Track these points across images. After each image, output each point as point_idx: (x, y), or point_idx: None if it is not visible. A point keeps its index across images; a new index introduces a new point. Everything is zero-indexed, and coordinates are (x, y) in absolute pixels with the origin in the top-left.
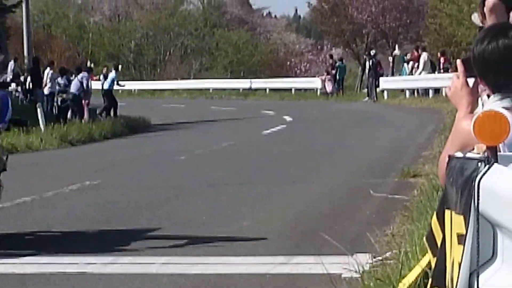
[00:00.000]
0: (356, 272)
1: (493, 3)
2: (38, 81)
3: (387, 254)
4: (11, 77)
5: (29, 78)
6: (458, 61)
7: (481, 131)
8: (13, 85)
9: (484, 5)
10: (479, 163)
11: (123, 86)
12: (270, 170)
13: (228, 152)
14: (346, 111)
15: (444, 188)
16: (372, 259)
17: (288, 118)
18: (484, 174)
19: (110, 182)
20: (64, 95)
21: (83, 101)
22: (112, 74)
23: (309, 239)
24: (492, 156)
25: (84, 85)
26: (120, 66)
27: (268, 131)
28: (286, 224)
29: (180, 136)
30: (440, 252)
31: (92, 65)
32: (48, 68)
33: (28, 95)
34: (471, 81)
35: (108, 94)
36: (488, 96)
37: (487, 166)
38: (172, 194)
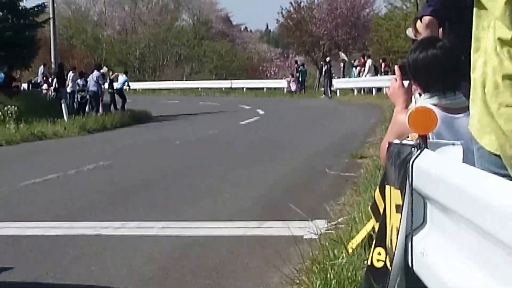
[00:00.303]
0: (315, 234)
1: (429, 20)
2: (62, 82)
3: (340, 220)
4: (42, 78)
5: (55, 80)
6: (396, 67)
7: (414, 123)
8: (45, 85)
9: (416, 22)
10: (413, 148)
11: (129, 87)
12: (246, 153)
13: (213, 138)
14: (307, 106)
15: (385, 168)
16: (327, 224)
17: (261, 111)
18: (416, 157)
19: (120, 163)
20: (83, 93)
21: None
22: (124, 77)
23: (278, 208)
24: (423, 143)
25: (101, 84)
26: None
27: (244, 122)
28: (259, 196)
29: (175, 125)
30: (381, 219)
31: (105, 70)
32: (71, 72)
33: (55, 93)
34: (406, 83)
35: (120, 92)
36: (420, 94)
37: (419, 151)
38: (169, 172)
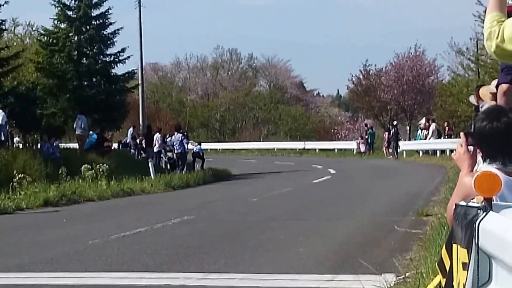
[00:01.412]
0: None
1: (508, 88)
2: (149, 142)
3: (407, 274)
4: (131, 139)
5: (143, 140)
6: (462, 134)
7: (480, 186)
8: (132, 145)
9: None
10: (479, 210)
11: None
12: (318, 209)
13: (287, 195)
14: (375, 166)
15: (451, 228)
16: (396, 278)
17: (332, 171)
18: (482, 218)
19: (202, 217)
20: (170, 154)
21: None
22: (198, 146)
23: (348, 262)
24: (488, 205)
25: (185, 146)
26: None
27: (317, 180)
28: (331, 250)
29: (253, 183)
30: (448, 276)
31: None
32: (157, 133)
33: (142, 152)
34: (470, 148)
35: (198, 155)
36: (483, 159)
37: (484, 213)
38: (247, 226)
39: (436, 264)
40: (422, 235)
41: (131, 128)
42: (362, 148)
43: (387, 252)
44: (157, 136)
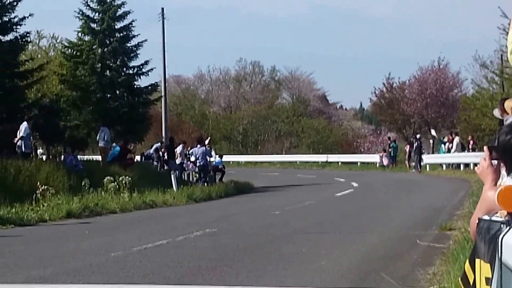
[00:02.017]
0: None
1: None
2: (172, 154)
3: None
4: (154, 151)
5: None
6: (485, 147)
7: (503, 200)
8: (155, 157)
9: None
10: (502, 225)
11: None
12: (341, 222)
13: (310, 208)
14: (397, 180)
15: (474, 242)
16: None
17: (354, 184)
18: (505, 233)
19: (224, 230)
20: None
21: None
22: (219, 159)
23: (371, 275)
24: (511, 220)
25: (208, 158)
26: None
27: (340, 194)
28: (353, 263)
29: (275, 196)
30: None
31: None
32: (180, 145)
33: (164, 165)
34: (494, 162)
35: (217, 168)
36: (507, 173)
37: (508, 227)
38: (269, 239)
39: (460, 278)
40: (445, 250)
41: (158, 144)
42: (385, 161)
43: (410, 266)
44: (179, 148)
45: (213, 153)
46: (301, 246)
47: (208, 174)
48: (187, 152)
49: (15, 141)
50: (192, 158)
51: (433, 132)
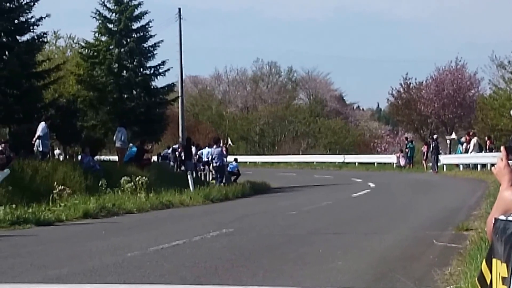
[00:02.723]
0: None
1: None
2: (189, 155)
3: None
4: (170, 151)
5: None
6: (502, 148)
7: None
8: (172, 157)
9: None
10: None
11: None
12: (357, 223)
13: (327, 209)
14: (414, 180)
15: (491, 242)
16: None
17: (371, 185)
18: None
19: (241, 230)
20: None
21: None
22: (235, 163)
23: (387, 276)
24: None
25: (225, 158)
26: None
27: (356, 194)
28: (369, 264)
29: (292, 196)
30: None
31: (229, 144)
32: (194, 148)
33: (181, 165)
34: (511, 162)
35: (231, 172)
36: None
37: None
38: (286, 239)
39: (476, 279)
40: (462, 250)
41: (177, 145)
42: (402, 161)
43: (426, 266)
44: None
45: (229, 158)
46: (317, 247)
47: (225, 174)
48: (199, 153)
49: (33, 141)
50: (204, 159)
51: (453, 135)
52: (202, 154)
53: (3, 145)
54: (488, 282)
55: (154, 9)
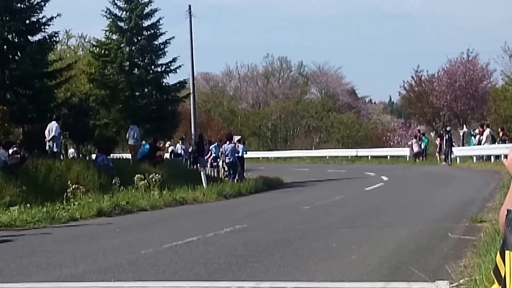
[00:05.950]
0: None
1: None
2: (201, 151)
3: (461, 281)
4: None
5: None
6: None
7: None
8: (183, 154)
9: None
10: None
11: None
12: (371, 217)
13: (340, 203)
14: (428, 173)
15: (504, 234)
16: (449, 285)
17: (385, 178)
18: None
19: (254, 226)
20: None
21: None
22: (242, 146)
23: (401, 269)
24: None
25: (237, 153)
26: (245, 141)
27: (369, 188)
28: (383, 257)
29: (305, 191)
30: (503, 283)
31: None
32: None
33: (194, 161)
34: None
35: (242, 159)
36: None
37: None
38: (299, 234)
39: (492, 271)
40: (476, 242)
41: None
42: (416, 148)
43: (440, 259)
44: (206, 146)
45: (241, 146)
46: (331, 241)
47: (237, 170)
48: (211, 149)
49: (47, 140)
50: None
51: (464, 128)
52: (212, 149)
53: (17, 145)
54: (503, 275)
55: (165, 7)
